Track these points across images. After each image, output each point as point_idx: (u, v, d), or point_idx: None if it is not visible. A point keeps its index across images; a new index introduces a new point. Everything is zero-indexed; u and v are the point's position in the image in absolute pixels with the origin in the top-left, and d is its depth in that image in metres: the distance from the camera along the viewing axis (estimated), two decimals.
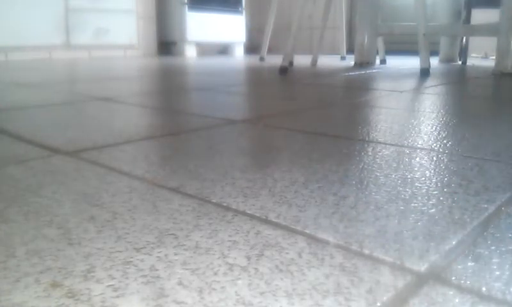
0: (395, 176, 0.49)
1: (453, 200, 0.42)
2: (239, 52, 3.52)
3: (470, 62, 2.50)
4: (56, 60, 2.48)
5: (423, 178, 0.48)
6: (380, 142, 0.65)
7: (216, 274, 0.29)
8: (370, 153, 0.58)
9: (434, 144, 0.64)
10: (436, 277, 0.29)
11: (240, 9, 3.40)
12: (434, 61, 2.47)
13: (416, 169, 0.52)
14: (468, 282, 0.28)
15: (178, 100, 1.08)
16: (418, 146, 0.63)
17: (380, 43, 2.43)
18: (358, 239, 0.34)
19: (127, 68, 2.06)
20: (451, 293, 0.27)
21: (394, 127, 0.76)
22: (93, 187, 0.45)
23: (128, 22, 2.89)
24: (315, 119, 0.83)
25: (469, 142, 0.65)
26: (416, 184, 0.46)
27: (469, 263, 0.30)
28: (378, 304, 0.26)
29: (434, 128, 0.75)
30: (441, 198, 0.42)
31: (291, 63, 2.12)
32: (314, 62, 2.37)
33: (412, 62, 2.43)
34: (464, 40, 2.51)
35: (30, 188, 0.44)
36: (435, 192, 0.44)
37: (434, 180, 0.48)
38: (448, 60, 2.61)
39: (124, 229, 0.35)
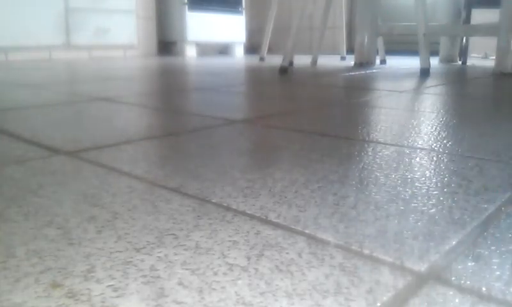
0: (395, 176, 0.49)
1: (453, 200, 0.42)
2: (239, 52, 3.52)
3: (470, 62, 2.50)
4: (56, 60, 2.49)
5: (423, 178, 0.48)
6: (380, 142, 0.65)
7: (216, 274, 0.29)
8: (370, 153, 0.58)
9: (434, 144, 0.64)
10: (436, 277, 0.29)
11: (240, 9, 3.40)
12: (434, 61, 2.47)
13: (416, 169, 0.52)
14: (468, 282, 0.28)
15: (178, 100, 1.08)
16: (418, 146, 0.63)
17: (380, 43, 2.43)
18: (358, 239, 0.34)
19: (127, 68, 2.06)
20: (451, 293, 0.27)
21: (394, 127, 0.76)
22: (93, 187, 0.45)
23: (128, 22, 2.89)
24: (315, 119, 0.83)
25: (469, 142, 0.65)
26: (416, 184, 0.46)
27: (469, 263, 0.30)
28: (378, 304, 0.26)
29: (434, 128, 0.75)
30: (441, 198, 0.42)
31: (291, 63, 2.12)
32: (314, 62, 2.37)
33: (412, 62, 2.43)
34: (464, 40, 2.52)
35: (30, 188, 0.44)
36: (435, 192, 0.44)
37: (434, 180, 0.48)
38: (448, 60, 2.61)
39: (124, 229, 0.35)
